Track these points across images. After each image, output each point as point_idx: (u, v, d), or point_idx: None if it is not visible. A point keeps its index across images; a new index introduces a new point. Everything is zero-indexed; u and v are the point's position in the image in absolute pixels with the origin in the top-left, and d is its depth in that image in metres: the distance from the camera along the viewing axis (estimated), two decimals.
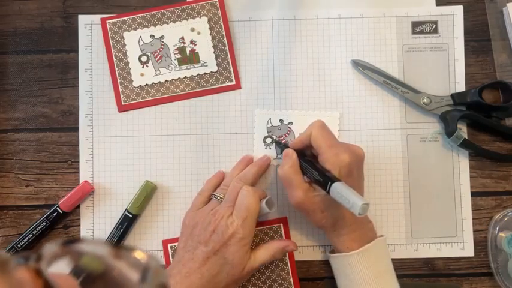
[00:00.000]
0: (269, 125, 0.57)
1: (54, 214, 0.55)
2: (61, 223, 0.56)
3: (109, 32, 0.57)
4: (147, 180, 0.56)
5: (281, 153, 0.52)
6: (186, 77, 0.57)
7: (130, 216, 0.55)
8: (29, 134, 0.57)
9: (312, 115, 0.57)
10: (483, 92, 0.56)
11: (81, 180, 0.56)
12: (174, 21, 0.57)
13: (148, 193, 0.55)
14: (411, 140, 0.57)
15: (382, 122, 0.57)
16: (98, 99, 0.57)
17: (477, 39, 0.58)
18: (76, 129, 0.57)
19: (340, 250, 0.50)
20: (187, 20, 0.57)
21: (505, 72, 0.58)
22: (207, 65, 0.57)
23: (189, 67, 0.57)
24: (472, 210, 0.57)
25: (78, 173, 0.57)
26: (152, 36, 0.57)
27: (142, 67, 0.57)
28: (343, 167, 0.46)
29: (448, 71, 0.58)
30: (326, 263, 0.56)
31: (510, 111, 0.56)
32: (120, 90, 0.57)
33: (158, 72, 0.57)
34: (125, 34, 0.57)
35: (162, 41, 0.57)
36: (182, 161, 0.57)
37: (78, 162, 0.57)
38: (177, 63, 0.57)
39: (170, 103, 0.57)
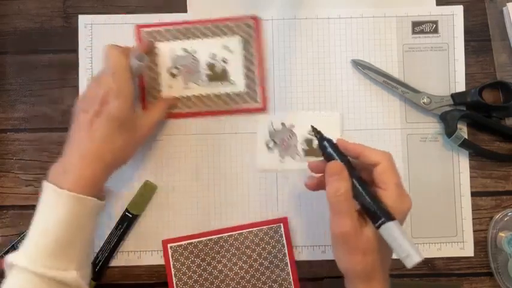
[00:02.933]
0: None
1: None
2: None
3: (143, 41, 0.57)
4: (147, 180, 0.56)
5: (323, 151, 0.45)
6: (213, 94, 0.57)
7: (130, 216, 0.55)
8: (29, 134, 0.57)
9: (313, 116, 0.57)
10: (483, 92, 0.56)
11: None
12: (208, 37, 0.57)
13: (148, 193, 0.55)
14: (411, 140, 0.57)
15: (382, 122, 0.57)
16: None
17: (477, 39, 0.58)
18: None
19: None
20: (221, 37, 0.57)
21: (505, 72, 0.58)
22: (235, 84, 0.57)
23: (217, 84, 0.57)
24: (472, 210, 0.57)
25: None
26: (185, 49, 0.57)
27: (172, 79, 0.57)
28: (403, 213, 0.42)
29: (448, 71, 0.58)
30: (326, 263, 0.56)
31: (510, 111, 0.56)
32: (147, 100, 0.57)
33: (187, 86, 0.57)
34: (159, 44, 0.57)
35: (194, 56, 0.57)
36: (182, 161, 0.57)
37: None
38: (206, 79, 0.57)
39: (194, 118, 0.57)
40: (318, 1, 0.58)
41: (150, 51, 0.57)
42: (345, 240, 0.41)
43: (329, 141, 0.45)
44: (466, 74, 0.58)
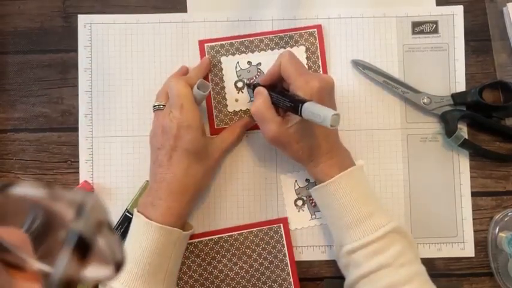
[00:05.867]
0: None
1: None
2: None
3: (206, 56, 0.57)
4: (147, 181, 0.56)
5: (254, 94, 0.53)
6: None
7: (130, 216, 0.55)
8: (29, 134, 0.57)
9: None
10: (483, 92, 0.56)
11: (81, 180, 0.56)
12: (272, 49, 0.57)
13: None
14: (411, 140, 0.57)
15: (382, 122, 0.57)
16: (97, 99, 0.57)
17: (477, 39, 0.58)
18: (76, 129, 0.57)
19: (320, 180, 0.50)
20: (285, 48, 0.57)
21: (505, 72, 0.58)
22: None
23: None
24: (472, 210, 0.56)
25: (78, 173, 0.57)
26: (249, 62, 0.57)
27: (238, 93, 0.57)
28: (314, 94, 0.47)
29: (448, 71, 0.58)
30: (326, 263, 0.56)
31: (510, 111, 0.56)
32: (214, 114, 0.57)
33: (253, 98, 0.56)
34: (223, 59, 0.57)
35: (259, 68, 0.57)
36: None
37: (78, 162, 0.57)
38: None
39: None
40: (318, 1, 0.58)
41: (213, 67, 0.57)
42: (277, 140, 0.49)
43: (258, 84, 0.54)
44: (466, 74, 0.58)
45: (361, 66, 0.57)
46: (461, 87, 0.58)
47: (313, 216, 0.56)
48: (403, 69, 0.58)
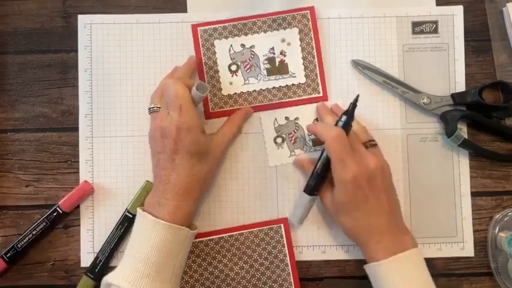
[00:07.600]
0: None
1: (54, 214, 0.55)
2: (61, 223, 0.56)
3: (200, 39, 0.57)
4: (147, 180, 0.56)
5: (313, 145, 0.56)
6: (274, 88, 0.57)
7: (131, 216, 0.55)
8: (29, 134, 0.57)
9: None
10: (483, 92, 0.56)
11: (81, 180, 0.56)
12: (265, 31, 0.57)
13: (148, 193, 0.55)
14: (411, 140, 0.57)
15: (382, 122, 0.57)
16: (97, 99, 0.57)
17: (477, 39, 0.58)
18: (76, 129, 0.57)
19: (372, 258, 0.49)
20: (278, 30, 0.57)
21: (505, 72, 0.58)
22: (295, 76, 0.57)
23: (277, 78, 0.57)
24: (472, 210, 0.57)
25: (78, 173, 0.57)
26: (243, 45, 0.57)
27: (232, 76, 0.57)
28: (344, 181, 0.49)
29: (448, 71, 0.58)
30: (326, 263, 0.56)
31: (510, 111, 0.56)
32: (209, 97, 0.57)
33: (247, 81, 0.57)
34: (216, 42, 0.57)
35: (253, 51, 0.57)
36: None
37: (78, 162, 0.57)
38: (265, 74, 0.57)
39: (255, 112, 0.57)
40: (318, 1, 0.58)
41: (206, 50, 0.57)
42: (358, 184, 0.49)
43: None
44: (466, 74, 0.58)
45: (361, 66, 0.57)
46: (461, 87, 0.58)
47: (292, 153, 0.57)
48: (403, 69, 0.58)
